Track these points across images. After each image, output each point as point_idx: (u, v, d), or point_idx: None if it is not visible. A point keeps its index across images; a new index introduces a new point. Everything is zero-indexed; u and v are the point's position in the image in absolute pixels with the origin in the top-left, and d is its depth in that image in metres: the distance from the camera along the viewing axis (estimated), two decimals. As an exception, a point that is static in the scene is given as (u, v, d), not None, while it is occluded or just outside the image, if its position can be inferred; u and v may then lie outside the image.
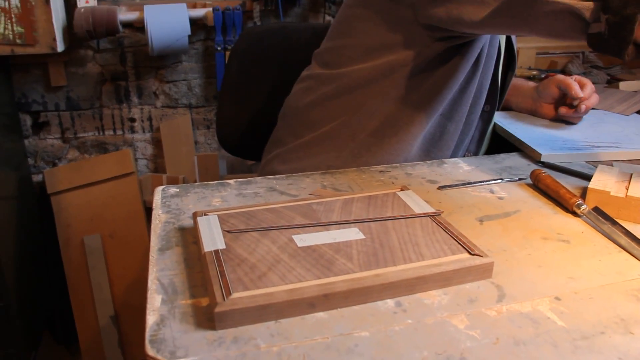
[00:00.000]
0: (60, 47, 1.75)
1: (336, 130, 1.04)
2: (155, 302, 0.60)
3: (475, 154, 1.16)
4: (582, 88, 1.15)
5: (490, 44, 1.03)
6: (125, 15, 1.86)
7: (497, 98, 1.11)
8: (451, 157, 1.09)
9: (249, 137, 1.36)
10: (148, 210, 1.96)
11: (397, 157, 1.02)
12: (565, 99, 1.19)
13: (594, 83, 1.58)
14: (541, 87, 1.21)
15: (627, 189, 0.81)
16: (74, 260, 1.93)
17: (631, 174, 0.87)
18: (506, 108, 1.30)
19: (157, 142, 2.10)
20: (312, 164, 1.05)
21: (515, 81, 1.28)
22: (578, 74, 1.65)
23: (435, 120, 1.03)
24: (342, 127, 1.04)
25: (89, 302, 1.93)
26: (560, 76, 1.18)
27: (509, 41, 1.14)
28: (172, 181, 2.03)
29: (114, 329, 1.91)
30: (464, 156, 1.14)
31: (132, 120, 2.06)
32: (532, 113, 1.26)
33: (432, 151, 1.06)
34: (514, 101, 1.28)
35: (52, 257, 1.99)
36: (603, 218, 0.77)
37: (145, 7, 1.82)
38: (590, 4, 0.76)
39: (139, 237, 1.96)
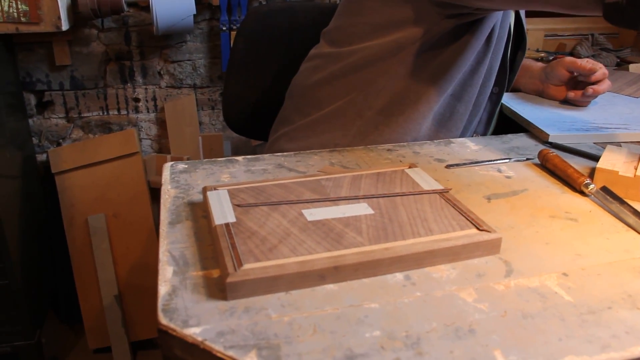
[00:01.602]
0: (64, 25, 1.74)
1: (343, 109, 1.04)
2: (166, 273, 0.61)
3: (483, 135, 1.16)
4: (595, 72, 1.15)
5: (501, 25, 1.02)
6: (130, -6, 1.85)
7: (506, 80, 1.11)
8: (459, 138, 1.09)
9: (255, 116, 1.36)
10: (152, 191, 1.97)
11: (405, 136, 1.02)
12: (573, 82, 1.19)
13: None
14: (549, 69, 1.21)
15: (636, 169, 0.81)
16: (78, 240, 1.94)
17: (639, 155, 0.87)
18: (514, 89, 1.30)
19: (161, 123, 2.10)
20: (319, 142, 1.05)
21: (523, 61, 1.27)
22: (587, 57, 1.64)
23: (444, 101, 1.03)
24: (349, 106, 1.04)
25: (93, 282, 1.94)
26: (569, 58, 1.18)
27: (518, 22, 1.13)
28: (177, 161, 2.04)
29: (118, 309, 1.92)
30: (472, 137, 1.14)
31: (137, 100, 2.06)
32: (539, 94, 1.26)
33: (440, 131, 1.06)
34: (522, 82, 1.28)
35: (56, 236, 2.00)
36: (611, 197, 0.77)
37: (150, -14, 1.81)
38: None
39: (143, 218, 1.96)
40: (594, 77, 1.14)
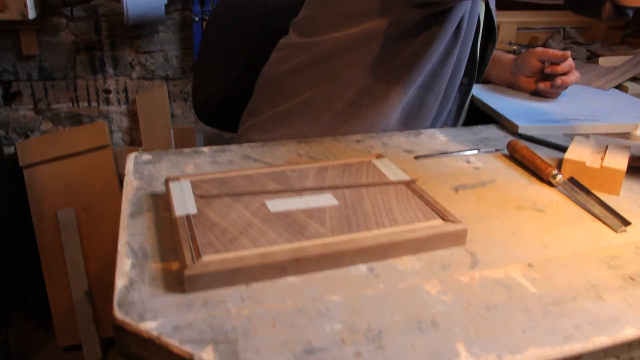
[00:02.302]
0: (31, 14, 1.70)
1: (312, 100, 1.03)
2: (124, 265, 0.59)
3: (453, 126, 1.15)
4: (566, 57, 1.15)
5: (470, 15, 1.02)
6: (99, -17, 1.81)
7: (475, 71, 1.10)
8: (429, 129, 1.08)
9: (225, 107, 1.34)
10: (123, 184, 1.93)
11: (374, 128, 1.01)
12: (543, 75, 1.19)
13: (574, 59, 1.58)
14: (520, 60, 1.21)
15: (603, 160, 0.81)
16: (47, 235, 1.90)
17: (607, 146, 0.87)
18: (485, 80, 1.30)
19: (132, 115, 2.07)
20: (288, 133, 1.04)
21: (495, 53, 1.27)
22: (558, 49, 1.65)
23: (414, 92, 1.02)
24: (318, 97, 1.02)
25: (62, 278, 1.90)
26: (540, 48, 1.18)
27: (488, 13, 1.13)
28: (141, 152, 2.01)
29: (88, 305, 1.89)
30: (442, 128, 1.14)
31: (107, 91, 2.03)
32: (510, 86, 1.25)
33: (410, 123, 1.05)
34: (493, 73, 1.27)
35: (24, 231, 1.96)
36: (578, 188, 0.77)
37: (120, -26, 1.78)
38: None
39: (113, 212, 1.93)
40: (561, 69, 1.14)
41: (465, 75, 1.09)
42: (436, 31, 0.96)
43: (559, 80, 1.13)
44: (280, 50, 1.11)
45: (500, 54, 1.28)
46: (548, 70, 1.16)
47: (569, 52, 1.15)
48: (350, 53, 0.99)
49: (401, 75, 0.99)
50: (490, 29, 1.15)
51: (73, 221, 1.91)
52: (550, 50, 1.15)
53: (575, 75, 1.15)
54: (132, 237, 0.64)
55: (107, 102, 2.04)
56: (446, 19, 0.96)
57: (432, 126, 1.09)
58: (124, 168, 0.84)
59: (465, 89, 1.12)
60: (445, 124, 1.15)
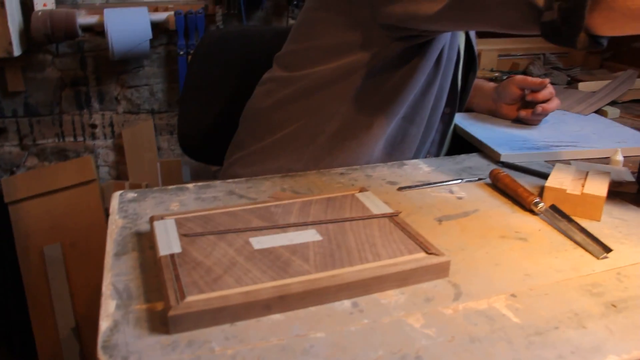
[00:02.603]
0: (16, 51, 1.71)
1: (296, 133, 1.04)
2: (109, 307, 0.59)
3: (436, 156, 1.17)
4: (545, 85, 1.16)
5: (450, 46, 1.04)
6: (84, 19, 1.83)
7: (457, 100, 1.12)
8: (412, 159, 1.09)
9: (211, 141, 1.34)
10: (110, 218, 1.93)
11: (358, 160, 1.02)
12: (524, 102, 1.21)
13: (554, 84, 1.61)
14: (501, 88, 1.23)
15: (583, 187, 0.82)
16: (34, 271, 1.89)
17: (587, 172, 0.88)
18: (468, 109, 1.31)
19: (119, 149, 2.07)
20: (273, 167, 1.04)
21: (476, 82, 1.29)
22: (539, 75, 1.68)
23: (396, 123, 1.04)
24: (302, 130, 1.03)
25: (49, 314, 1.88)
26: (520, 76, 1.20)
27: (469, 43, 1.15)
28: (135, 188, 2.00)
29: (75, 341, 1.87)
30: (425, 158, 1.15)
31: (93, 126, 2.03)
32: (492, 114, 1.27)
33: (393, 154, 1.06)
34: (475, 102, 1.29)
35: (10, 267, 1.94)
36: (559, 215, 0.78)
37: (105, 10, 1.80)
38: None
39: (100, 246, 1.91)
40: (541, 96, 1.16)
41: (447, 105, 1.10)
42: (417, 63, 0.98)
43: (539, 108, 1.15)
44: (265, 84, 1.13)
45: (482, 83, 1.30)
46: (529, 98, 1.18)
47: (547, 80, 1.17)
48: (333, 86, 1.00)
49: (383, 107, 1.00)
50: (470, 58, 1.17)
51: (59, 257, 1.90)
52: (529, 78, 1.17)
53: (555, 103, 1.17)
54: (116, 277, 0.64)
55: (93, 136, 2.04)
56: (427, 51, 0.98)
57: (416, 156, 1.10)
58: (110, 202, 0.84)
59: (447, 118, 1.13)
60: (428, 154, 1.16)
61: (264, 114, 1.09)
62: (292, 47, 1.09)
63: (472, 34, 1.17)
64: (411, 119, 1.04)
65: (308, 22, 1.06)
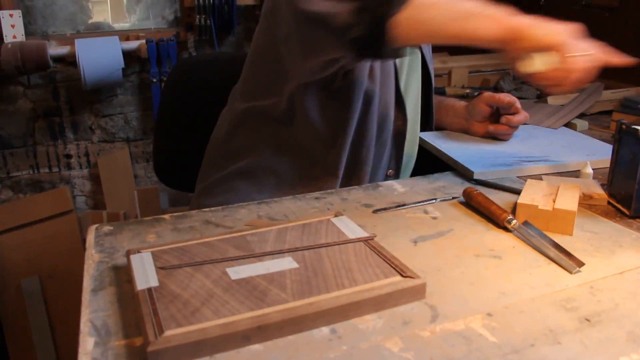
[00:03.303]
0: (-13, 85, 1.70)
1: (255, 164, 1.06)
2: (87, 345, 0.59)
3: (397, 171, 1.17)
4: (513, 104, 1.19)
5: (384, 62, 1.06)
6: (55, 49, 1.83)
7: (405, 112, 1.14)
8: (372, 179, 1.11)
9: (186, 169, 1.34)
10: (88, 248, 1.91)
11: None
12: (495, 117, 1.23)
13: (523, 99, 1.64)
14: (471, 107, 1.25)
15: (554, 202, 0.84)
16: (11, 305, 1.86)
17: (558, 187, 0.90)
18: (440, 127, 1.33)
19: (95, 178, 2.06)
20: (236, 198, 1.05)
21: (448, 101, 1.32)
22: (509, 90, 1.71)
23: (348, 150, 1.06)
24: (261, 161, 1.06)
25: (28, 348, 1.85)
26: (488, 93, 1.22)
27: (425, 63, 1.18)
28: (113, 217, 1.99)
29: (58, 375, 1.84)
30: (387, 176, 1.16)
31: (69, 156, 2.02)
32: (464, 132, 1.29)
33: (352, 179, 1.08)
34: (447, 121, 1.31)
35: (-13, 303, 1.91)
36: (532, 232, 0.79)
37: (76, 40, 1.80)
38: (349, 7, 0.84)
39: (79, 277, 1.89)
40: (514, 118, 1.18)
41: (397, 118, 1.12)
42: (349, 88, 1.00)
43: (504, 119, 1.17)
44: (224, 114, 1.14)
45: (454, 102, 1.32)
46: (503, 120, 1.19)
47: (514, 99, 1.18)
48: (278, 120, 1.03)
49: (331, 135, 1.03)
50: (427, 74, 1.20)
51: (38, 290, 1.87)
52: (496, 96, 1.19)
53: (522, 115, 1.19)
54: (94, 314, 0.64)
55: (69, 167, 2.03)
56: (353, 76, 1.00)
57: (374, 176, 1.11)
58: (86, 235, 0.84)
59: (401, 130, 1.14)
60: (389, 170, 1.16)
61: (223, 143, 1.12)
62: (245, 78, 1.13)
63: (428, 51, 1.20)
64: (360, 143, 1.06)
65: (254, 55, 1.10)
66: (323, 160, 1.04)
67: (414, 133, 1.20)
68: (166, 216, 0.89)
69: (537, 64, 0.81)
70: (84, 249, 1.88)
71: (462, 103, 1.31)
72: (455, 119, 1.30)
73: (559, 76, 0.80)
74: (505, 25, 0.82)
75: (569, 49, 0.78)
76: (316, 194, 0.98)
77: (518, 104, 1.19)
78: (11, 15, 1.76)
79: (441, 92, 1.40)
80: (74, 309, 1.86)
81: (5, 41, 1.76)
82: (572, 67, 0.79)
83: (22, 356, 1.85)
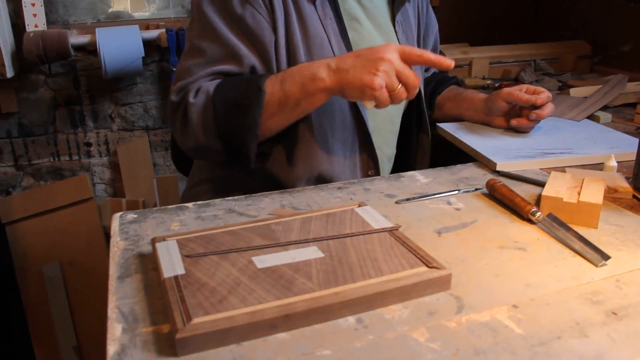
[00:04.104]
0: (9, 72, 1.71)
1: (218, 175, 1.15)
2: (115, 331, 0.59)
3: (377, 171, 1.13)
4: (531, 102, 1.16)
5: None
6: (76, 38, 1.84)
7: (364, 120, 1.09)
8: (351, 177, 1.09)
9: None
10: (108, 236, 1.92)
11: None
12: (515, 109, 1.22)
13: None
14: (490, 102, 1.22)
15: (579, 194, 0.83)
16: (33, 291, 1.88)
17: (583, 179, 0.89)
18: (460, 119, 1.32)
19: (114, 166, 2.07)
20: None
21: (466, 94, 1.30)
22: (530, 82, 1.69)
23: (330, 151, 1.06)
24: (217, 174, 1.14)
25: (49, 333, 1.88)
26: (506, 90, 1.19)
27: None
28: (132, 205, 2.01)
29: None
30: (369, 175, 1.12)
31: (88, 144, 2.03)
32: (485, 124, 1.28)
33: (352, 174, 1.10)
34: (468, 115, 1.29)
35: (9, 288, 1.93)
36: (557, 224, 0.79)
37: (97, 30, 1.80)
38: (219, 144, 0.97)
39: (99, 264, 1.92)
40: (539, 101, 1.15)
41: (358, 122, 1.08)
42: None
43: (533, 114, 1.15)
44: None
45: (472, 95, 1.30)
46: (533, 116, 1.17)
47: (539, 91, 1.17)
48: None
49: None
50: None
51: (58, 276, 1.90)
52: (515, 94, 1.16)
53: (549, 108, 1.17)
54: (121, 301, 0.64)
55: (89, 155, 2.04)
56: None
57: (353, 176, 1.10)
58: (108, 220, 0.85)
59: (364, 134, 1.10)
60: (370, 171, 1.12)
61: None
62: None
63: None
64: (334, 136, 1.06)
65: None
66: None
67: (388, 135, 1.17)
68: (189, 204, 0.89)
69: (367, 103, 0.91)
70: (104, 236, 1.91)
71: (481, 96, 1.29)
72: (475, 113, 1.28)
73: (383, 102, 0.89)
74: (332, 79, 0.91)
75: (374, 87, 0.87)
76: (338, 184, 0.98)
77: (548, 94, 1.17)
78: (33, 5, 1.77)
79: (456, 82, 1.37)
80: (94, 294, 1.89)
81: (27, 30, 1.77)
82: (381, 101, 0.89)
83: (43, 339, 1.87)
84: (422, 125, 1.23)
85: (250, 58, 0.99)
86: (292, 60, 1.00)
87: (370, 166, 1.11)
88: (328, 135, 1.04)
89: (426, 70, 1.37)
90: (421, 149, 1.24)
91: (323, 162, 1.05)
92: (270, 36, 0.99)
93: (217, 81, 0.98)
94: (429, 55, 0.92)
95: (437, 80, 1.37)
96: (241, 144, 0.95)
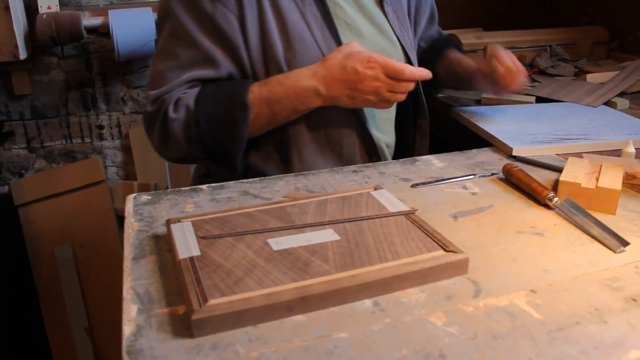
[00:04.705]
0: (22, 54, 1.71)
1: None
2: (131, 312, 0.59)
3: (378, 157, 1.09)
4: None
5: None
6: (89, 20, 1.83)
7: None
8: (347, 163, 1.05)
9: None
10: (120, 219, 1.93)
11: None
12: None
13: (561, 76, 1.60)
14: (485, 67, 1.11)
15: (597, 180, 0.82)
16: (45, 273, 1.89)
17: (601, 165, 0.88)
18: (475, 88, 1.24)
19: (126, 149, 2.07)
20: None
21: (460, 71, 1.21)
22: (545, 67, 1.67)
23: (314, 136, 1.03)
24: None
25: (62, 315, 1.89)
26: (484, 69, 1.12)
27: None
28: (144, 188, 2.01)
29: (89, 342, 1.88)
30: (371, 160, 1.08)
31: (101, 127, 2.03)
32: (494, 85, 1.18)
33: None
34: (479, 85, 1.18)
35: (22, 269, 1.95)
36: (575, 209, 0.78)
37: (109, 12, 1.79)
38: (201, 154, 0.96)
39: (111, 246, 1.93)
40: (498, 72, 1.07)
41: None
42: None
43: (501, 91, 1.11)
44: None
45: (467, 63, 1.20)
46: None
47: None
48: None
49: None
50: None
51: (70, 258, 1.91)
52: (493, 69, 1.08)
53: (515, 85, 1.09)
54: (136, 281, 0.64)
55: (101, 137, 2.04)
56: None
57: (352, 160, 1.06)
58: (120, 203, 0.85)
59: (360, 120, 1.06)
60: (373, 157, 1.08)
61: None
62: None
63: (406, 39, 1.12)
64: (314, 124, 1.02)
65: None
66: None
67: (384, 123, 1.12)
68: (204, 186, 0.89)
69: None
70: (115, 219, 1.91)
71: (474, 64, 1.17)
72: (482, 79, 1.18)
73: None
74: (324, 101, 0.94)
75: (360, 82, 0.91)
76: (353, 167, 0.97)
77: (496, 59, 1.08)
78: (45, -14, 1.77)
79: (455, 45, 1.26)
80: (106, 276, 1.89)
81: (40, 12, 1.76)
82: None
83: (55, 321, 1.89)
84: (421, 110, 1.18)
85: (225, 64, 0.95)
86: (269, 61, 0.96)
87: (370, 155, 1.08)
88: (321, 130, 1.01)
89: (429, 23, 1.29)
90: (420, 133, 1.20)
91: (317, 157, 1.03)
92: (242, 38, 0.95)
93: (196, 91, 0.95)
94: (410, 71, 0.92)
95: (434, 46, 1.29)
96: (228, 157, 0.96)
